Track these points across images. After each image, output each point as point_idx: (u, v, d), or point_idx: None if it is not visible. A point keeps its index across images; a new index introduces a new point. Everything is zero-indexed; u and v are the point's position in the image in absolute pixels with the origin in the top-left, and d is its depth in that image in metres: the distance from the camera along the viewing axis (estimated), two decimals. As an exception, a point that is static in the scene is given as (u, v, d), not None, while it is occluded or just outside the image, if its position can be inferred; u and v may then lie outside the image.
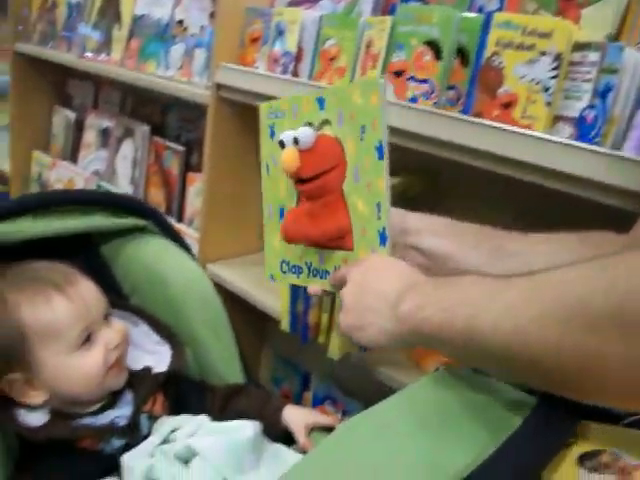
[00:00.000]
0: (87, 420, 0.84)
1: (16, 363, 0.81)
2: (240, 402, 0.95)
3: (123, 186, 1.88)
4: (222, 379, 1.00)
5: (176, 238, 1.02)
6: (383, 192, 0.75)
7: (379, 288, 0.69)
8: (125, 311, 0.92)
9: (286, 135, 0.78)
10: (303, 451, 0.87)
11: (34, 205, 0.88)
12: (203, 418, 0.85)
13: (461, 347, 0.59)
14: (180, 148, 1.69)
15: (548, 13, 0.95)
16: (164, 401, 0.89)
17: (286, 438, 0.92)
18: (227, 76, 1.28)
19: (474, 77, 0.91)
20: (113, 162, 1.94)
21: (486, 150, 0.88)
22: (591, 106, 0.81)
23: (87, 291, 0.86)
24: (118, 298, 0.96)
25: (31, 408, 0.83)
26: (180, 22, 1.53)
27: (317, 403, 1.48)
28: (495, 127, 0.87)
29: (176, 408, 0.89)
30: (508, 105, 0.88)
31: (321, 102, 0.80)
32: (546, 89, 0.83)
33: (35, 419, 0.82)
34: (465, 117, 0.91)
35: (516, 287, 0.54)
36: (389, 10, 1.11)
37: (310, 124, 0.81)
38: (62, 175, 2.10)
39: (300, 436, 0.89)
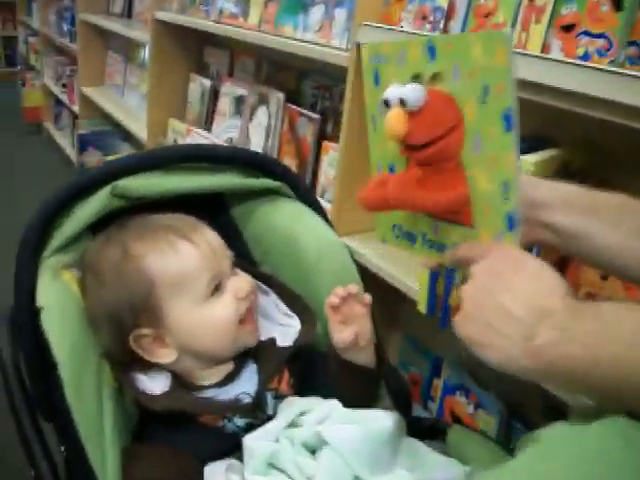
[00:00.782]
0: (210, 393, 0.78)
1: (145, 317, 0.76)
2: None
3: (255, 155, 1.84)
4: None
5: (312, 202, 0.94)
6: (512, 170, 0.64)
7: (508, 306, 0.58)
8: (254, 279, 0.85)
9: (391, 93, 0.67)
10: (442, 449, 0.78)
11: (164, 160, 0.83)
12: (335, 403, 0.77)
13: (606, 389, 0.53)
14: (315, 116, 1.63)
15: None
16: (289, 379, 0.82)
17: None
18: (369, 35, 1.19)
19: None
20: (247, 130, 1.91)
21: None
22: None
23: (213, 238, 0.80)
24: (248, 265, 0.90)
25: (153, 374, 0.78)
26: (321, -18, 1.46)
27: (448, 392, 1.38)
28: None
29: (301, 387, 0.82)
30: None
31: (432, 51, 0.68)
32: None
33: (156, 386, 0.77)
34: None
35: None
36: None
37: (418, 76, 0.70)
38: (196, 142, 2.10)
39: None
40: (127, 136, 2.95)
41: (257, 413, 0.77)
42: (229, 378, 0.80)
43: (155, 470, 0.74)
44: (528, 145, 1.06)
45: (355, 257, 1.32)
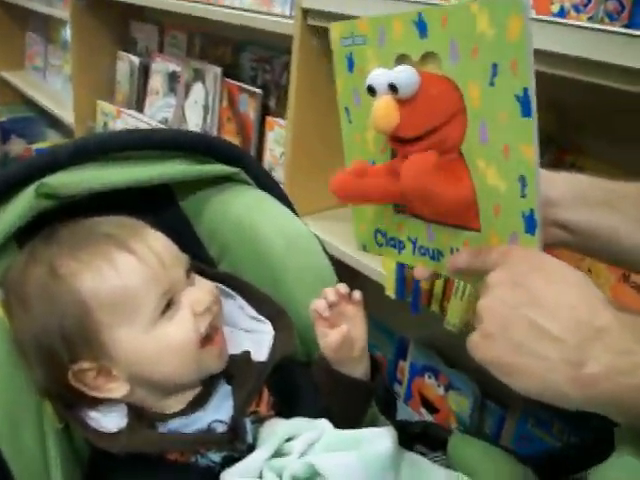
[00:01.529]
0: (175, 424, 0.67)
1: (83, 349, 0.64)
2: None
3: (194, 135, 1.73)
4: None
5: (273, 189, 0.83)
6: (531, 162, 0.53)
7: (541, 323, 0.49)
8: (213, 281, 0.73)
9: (377, 77, 0.57)
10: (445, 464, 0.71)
11: (97, 150, 0.70)
12: (324, 424, 0.67)
13: None
14: (257, 90, 1.53)
15: None
16: (269, 398, 0.70)
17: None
18: (317, 1, 1.10)
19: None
20: (182, 109, 1.79)
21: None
22: None
23: (160, 244, 0.67)
24: (204, 264, 0.78)
25: (104, 409, 0.66)
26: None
27: (415, 374, 1.33)
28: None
29: (282, 404, 0.71)
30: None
31: (421, 26, 0.57)
32: None
33: (110, 422, 0.65)
34: (633, 32, 0.72)
35: None
36: None
37: (405, 57, 0.60)
38: (128, 124, 1.97)
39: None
40: (53, 122, 2.77)
41: (235, 444, 0.66)
42: (197, 403, 0.68)
43: None
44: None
45: (312, 239, 1.26)
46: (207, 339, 0.67)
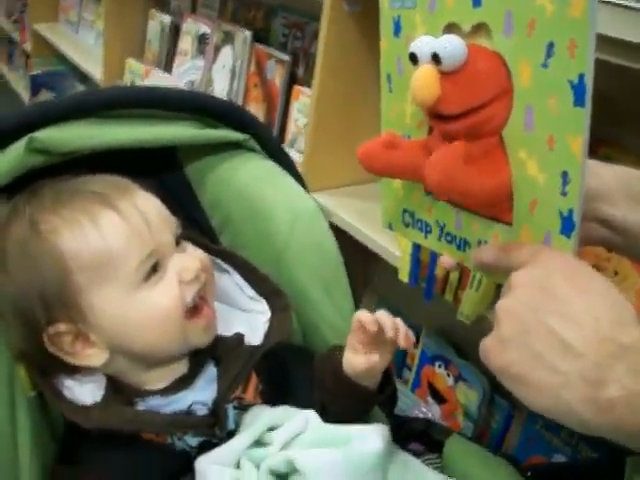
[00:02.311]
0: (155, 401, 0.63)
1: (62, 310, 0.60)
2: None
3: (219, 99, 1.69)
4: (328, 346, 0.75)
5: (283, 160, 0.78)
6: (578, 157, 0.48)
7: (563, 334, 0.44)
8: (210, 254, 0.70)
9: (422, 46, 0.52)
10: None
11: (96, 105, 0.66)
12: (311, 415, 0.63)
13: None
14: (285, 57, 1.48)
15: None
16: (257, 384, 0.67)
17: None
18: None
19: None
20: (210, 72, 1.75)
21: None
22: None
23: (148, 205, 0.63)
24: (204, 235, 0.74)
25: (83, 378, 0.63)
26: None
27: (425, 362, 1.28)
28: None
29: (271, 393, 0.68)
30: None
31: None
32: None
33: (86, 394, 0.62)
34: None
35: None
36: None
37: (455, 27, 0.55)
38: (155, 84, 1.93)
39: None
40: (83, 77, 2.74)
41: (214, 430, 0.62)
42: (182, 383, 0.65)
43: None
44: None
45: (326, 215, 1.21)
46: (194, 310, 0.63)
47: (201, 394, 0.64)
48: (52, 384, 0.63)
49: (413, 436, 0.73)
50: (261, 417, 0.63)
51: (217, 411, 0.62)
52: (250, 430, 0.61)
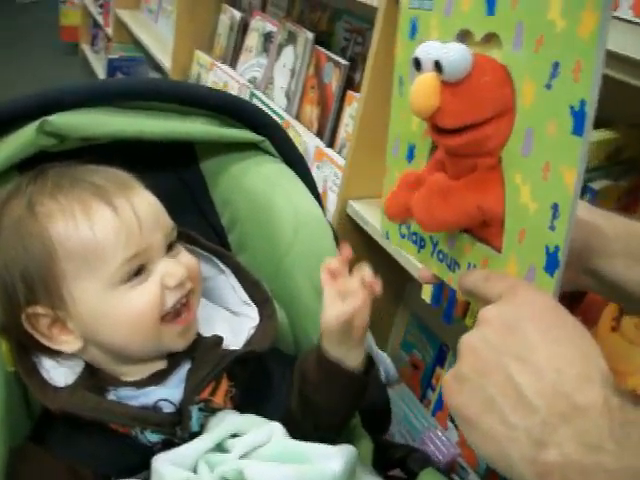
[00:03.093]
0: (124, 393, 0.63)
1: (43, 293, 0.61)
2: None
3: (277, 97, 1.69)
4: None
5: (297, 163, 0.78)
6: (569, 190, 0.45)
7: (520, 382, 0.41)
8: (210, 254, 0.70)
9: (426, 51, 0.50)
10: None
11: (113, 94, 0.67)
12: (276, 427, 0.61)
13: None
14: (343, 61, 1.46)
15: None
16: (228, 389, 0.65)
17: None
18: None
19: None
20: (272, 70, 1.75)
21: None
22: None
23: (144, 204, 0.63)
24: (213, 231, 0.74)
25: (62, 360, 0.64)
26: None
27: (450, 384, 1.25)
28: None
29: (245, 398, 0.66)
30: None
31: (491, 1, 0.50)
32: None
33: (60, 376, 0.63)
34: None
35: None
36: None
37: (468, 34, 0.53)
38: (219, 78, 1.95)
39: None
40: (157, 66, 2.80)
41: (176, 429, 0.62)
42: (155, 378, 0.65)
43: None
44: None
45: (362, 224, 1.19)
46: (173, 315, 0.63)
47: (170, 392, 0.63)
48: (30, 362, 0.63)
49: (394, 462, 0.71)
50: (226, 422, 0.62)
51: (182, 411, 0.62)
52: (212, 434, 0.60)
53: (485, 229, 0.54)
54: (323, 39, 1.60)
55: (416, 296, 1.40)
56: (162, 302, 0.62)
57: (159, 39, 2.61)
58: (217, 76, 1.96)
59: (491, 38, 0.51)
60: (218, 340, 0.67)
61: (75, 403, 0.60)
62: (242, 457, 0.58)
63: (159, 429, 0.61)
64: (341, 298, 0.63)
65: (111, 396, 0.63)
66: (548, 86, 0.46)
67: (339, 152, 1.43)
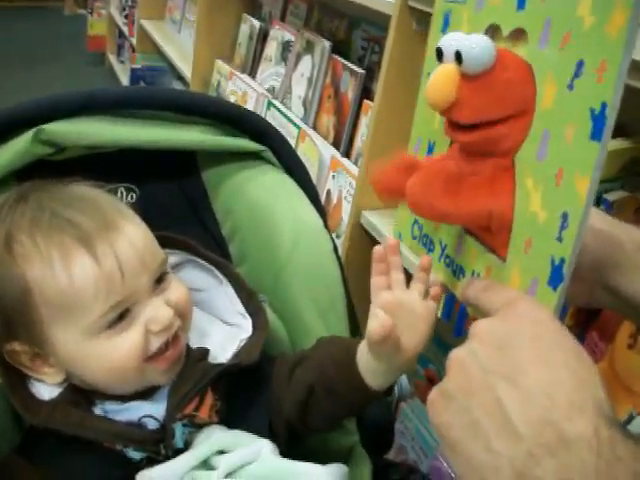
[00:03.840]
0: (110, 407, 0.62)
1: (21, 333, 0.59)
2: (306, 369, 0.65)
3: (295, 107, 1.68)
4: None
5: (299, 173, 0.75)
6: (581, 199, 0.43)
7: (508, 406, 0.38)
8: (210, 264, 0.69)
9: (448, 41, 0.48)
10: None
11: (110, 102, 0.65)
12: (265, 446, 0.59)
13: None
14: (359, 70, 1.45)
15: None
16: (214, 403, 0.62)
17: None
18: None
19: None
20: (290, 79, 1.74)
21: None
22: None
23: (129, 249, 0.59)
24: (213, 241, 0.73)
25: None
26: None
27: (465, 399, 1.22)
28: None
29: (232, 411, 0.64)
30: None
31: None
32: None
33: (44, 390, 0.62)
34: None
35: None
36: None
37: (497, 30, 0.51)
38: (238, 88, 1.95)
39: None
40: (180, 76, 2.82)
41: (159, 447, 0.60)
42: (144, 392, 0.63)
43: None
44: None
45: (375, 234, 1.17)
46: (158, 353, 0.61)
47: (155, 407, 0.62)
48: (16, 375, 0.62)
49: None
50: (213, 438, 0.60)
51: (165, 428, 0.60)
52: (197, 451, 0.58)
53: (491, 235, 0.52)
54: (341, 48, 1.59)
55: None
56: (146, 347, 0.60)
57: (181, 49, 2.62)
58: (236, 85, 1.96)
59: (519, 35, 0.49)
60: (203, 353, 0.65)
61: (57, 419, 0.59)
62: (228, 475, 0.56)
63: (142, 447, 0.60)
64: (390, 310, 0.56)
65: (97, 410, 0.62)
66: (570, 86, 0.44)
67: (355, 162, 1.41)
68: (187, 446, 0.60)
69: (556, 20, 0.45)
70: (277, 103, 1.74)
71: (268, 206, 0.72)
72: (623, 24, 0.40)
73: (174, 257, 0.69)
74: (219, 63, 2.12)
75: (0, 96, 3.06)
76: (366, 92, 1.46)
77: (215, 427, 0.61)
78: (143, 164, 0.70)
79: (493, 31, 0.52)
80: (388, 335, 0.54)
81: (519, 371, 0.40)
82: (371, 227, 1.19)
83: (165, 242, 0.66)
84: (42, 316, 0.58)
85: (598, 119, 0.42)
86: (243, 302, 0.68)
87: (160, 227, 0.65)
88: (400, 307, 0.58)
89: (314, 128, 1.60)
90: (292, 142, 1.50)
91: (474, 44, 0.47)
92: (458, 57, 0.47)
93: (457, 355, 0.44)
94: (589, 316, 0.88)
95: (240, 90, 1.93)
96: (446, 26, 0.58)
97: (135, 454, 0.59)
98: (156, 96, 0.68)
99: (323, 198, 1.39)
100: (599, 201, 0.77)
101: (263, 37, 1.96)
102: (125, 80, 3.63)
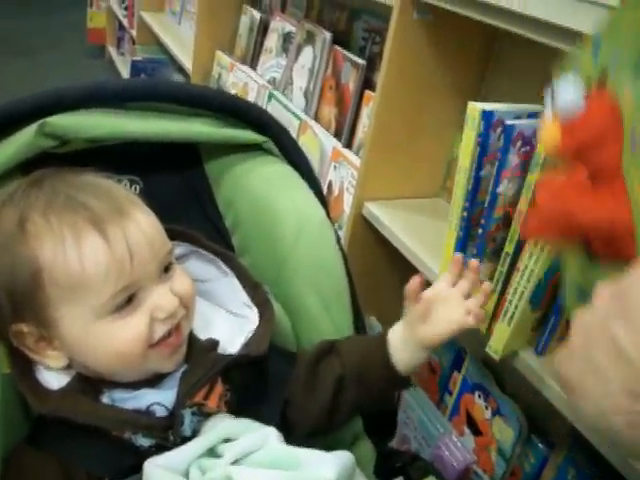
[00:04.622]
0: (118, 395, 0.62)
1: (29, 312, 0.60)
2: (330, 363, 0.70)
3: (296, 99, 1.68)
4: None
5: (301, 164, 0.76)
6: None
7: (620, 337, 0.41)
8: (214, 255, 0.69)
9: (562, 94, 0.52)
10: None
11: (113, 94, 0.65)
12: (270, 433, 0.60)
13: None
14: (360, 61, 1.45)
15: None
16: (223, 393, 0.63)
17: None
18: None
19: None
20: (291, 71, 1.74)
21: None
22: None
23: (139, 234, 0.60)
24: (217, 233, 0.73)
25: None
26: None
27: (466, 390, 1.22)
28: None
29: (241, 402, 0.65)
30: None
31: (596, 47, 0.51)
32: None
33: (53, 379, 0.62)
34: None
35: None
36: None
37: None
38: (238, 79, 1.95)
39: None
40: (181, 68, 2.81)
41: (168, 434, 0.60)
42: (152, 379, 0.63)
43: None
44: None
45: (377, 225, 1.18)
46: (160, 342, 0.62)
47: (163, 395, 0.63)
48: (25, 364, 0.62)
49: (396, 470, 0.70)
50: (220, 426, 0.61)
51: (174, 415, 0.61)
52: (204, 438, 0.59)
53: (608, 245, 0.51)
54: (342, 39, 1.59)
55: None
56: (150, 334, 0.61)
57: (182, 41, 2.62)
58: (237, 77, 1.96)
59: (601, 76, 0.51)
60: (214, 344, 0.66)
61: (66, 407, 0.60)
62: (234, 463, 0.57)
63: (150, 433, 0.60)
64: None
65: (105, 398, 0.62)
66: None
67: (357, 153, 1.41)
68: (195, 434, 0.61)
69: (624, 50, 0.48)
70: (278, 95, 1.74)
71: (270, 198, 0.73)
72: None
73: (179, 249, 0.70)
74: (220, 55, 2.12)
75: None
76: (367, 83, 1.46)
77: (222, 415, 0.62)
78: (147, 156, 0.70)
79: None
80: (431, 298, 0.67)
81: (633, 311, 0.41)
82: (373, 218, 1.19)
83: (170, 234, 0.66)
84: (51, 296, 0.59)
85: None
86: (248, 293, 0.69)
87: (164, 218, 0.65)
88: (437, 296, 0.69)
89: (315, 119, 1.60)
90: (293, 133, 1.50)
91: (564, 100, 0.52)
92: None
93: (579, 316, 0.46)
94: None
95: (241, 82, 1.93)
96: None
97: (144, 441, 0.60)
98: (159, 88, 0.68)
99: (325, 189, 1.39)
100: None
101: (264, 28, 1.95)
102: (125, 72, 3.62)
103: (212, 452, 0.59)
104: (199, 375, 0.62)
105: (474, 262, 0.69)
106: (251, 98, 1.83)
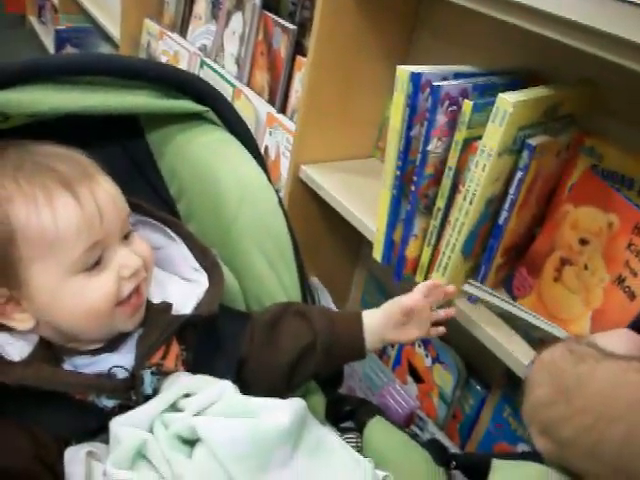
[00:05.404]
0: (80, 361, 0.65)
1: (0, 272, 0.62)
2: (295, 327, 0.75)
3: (228, 65, 1.69)
4: None
5: (243, 134, 0.78)
6: None
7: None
8: (162, 224, 0.72)
9: None
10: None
11: (54, 69, 0.66)
12: (226, 385, 0.64)
13: None
14: (291, 26, 1.46)
15: None
16: (180, 353, 0.67)
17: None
18: None
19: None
20: (221, 37, 1.74)
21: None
22: None
23: (104, 194, 0.63)
24: (162, 201, 0.75)
25: (16, 335, 0.64)
26: None
27: (407, 340, 1.28)
28: None
29: (197, 360, 0.69)
30: None
31: None
32: None
33: (16, 350, 0.64)
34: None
35: None
36: None
37: None
38: (169, 47, 1.93)
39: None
40: (108, 36, 2.75)
41: (130, 394, 0.64)
42: (111, 344, 0.66)
43: (3, 456, 0.60)
44: (511, 80, 0.92)
45: (315, 188, 1.21)
46: (124, 301, 0.65)
47: (123, 358, 0.65)
48: None
49: (345, 414, 0.75)
50: (178, 383, 0.64)
51: (135, 376, 0.64)
52: (165, 395, 0.62)
53: None
54: (271, 4, 1.59)
55: (371, 256, 1.44)
56: (118, 292, 0.63)
57: (107, 8, 2.56)
58: (167, 45, 1.94)
59: None
60: (167, 306, 0.69)
61: (30, 376, 0.61)
62: (196, 415, 0.60)
63: (114, 395, 0.63)
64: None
65: (66, 365, 0.65)
66: None
67: (291, 118, 1.43)
68: (156, 393, 0.64)
69: None
70: (210, 62, 1.74)
71: (211, 165, 0.75)
72: None
73: None
74: (148, 22, 2.08)
75: None
76: (299, 48, 1.48)
77: (180, 373, 0.66)
78: (88, 128, 0.71)
79: None
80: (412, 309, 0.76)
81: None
82: (310, 180, 1.22)
83: None
84: (22, 256, 0.60)
85: None
86: (197, 258, 0.72)
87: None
88: (415, 308, 0.78)
89: (248, 85, 1.61)
90: (228, 100, 1.51)
91: None
92: None
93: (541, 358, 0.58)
94: (518, 253, 0.95)
95: (172, 50, 1.91)
96: None
97: (107, 402, 0.63)
98: (98, 61, 0.69)
99: (262, 155, 1.41)
100: (523, 146, 0.82)
101: (192, -6, 1.93)
102: (49, 42, 3.51)
103: (174, 407, 0.62)
104: (155, 336, 0.66)
105: (451, 288, 0.80)
106: (182, 66, 1.82)
